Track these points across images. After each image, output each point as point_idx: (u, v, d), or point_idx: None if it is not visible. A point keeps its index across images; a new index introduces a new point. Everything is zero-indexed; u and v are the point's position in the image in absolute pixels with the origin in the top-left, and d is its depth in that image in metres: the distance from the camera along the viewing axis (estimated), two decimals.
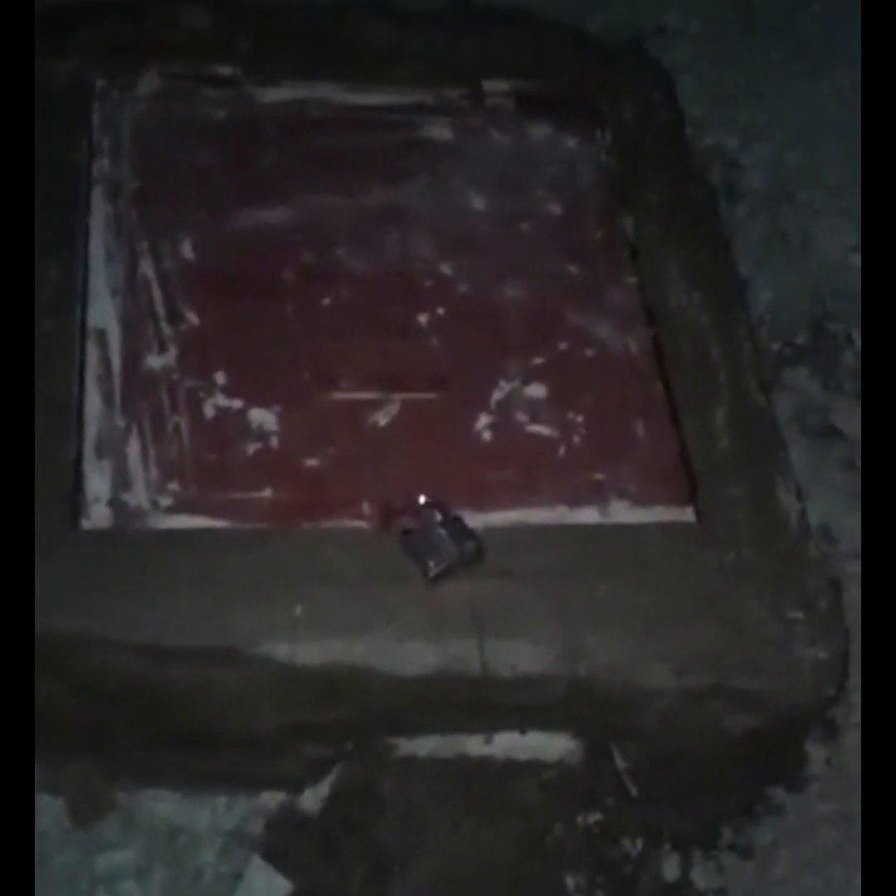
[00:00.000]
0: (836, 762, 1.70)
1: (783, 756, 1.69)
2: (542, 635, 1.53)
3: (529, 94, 2.08)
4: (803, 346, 2.10)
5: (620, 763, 1.63)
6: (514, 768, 1.63)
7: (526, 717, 1.59)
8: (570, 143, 2.04)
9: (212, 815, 1.59)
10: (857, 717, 1.70)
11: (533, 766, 1.63)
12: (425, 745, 1.60)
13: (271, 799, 1.60)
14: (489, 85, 2.07)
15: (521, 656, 1.51)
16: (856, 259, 2.18)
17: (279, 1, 2.21)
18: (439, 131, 2.02)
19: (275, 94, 2.00)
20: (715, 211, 2.05)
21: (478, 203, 1.94)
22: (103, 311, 1.71)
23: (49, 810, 1.55)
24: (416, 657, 1.50)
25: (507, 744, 1.61)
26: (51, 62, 1.94)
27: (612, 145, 2.04)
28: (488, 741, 1.61)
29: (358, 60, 2.06)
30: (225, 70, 2.00)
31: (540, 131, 2.05)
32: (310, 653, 1.48)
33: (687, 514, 1.66)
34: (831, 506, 1.90)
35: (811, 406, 2.03)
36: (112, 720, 1.54)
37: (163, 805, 1.58)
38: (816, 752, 1.70)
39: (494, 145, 2.02)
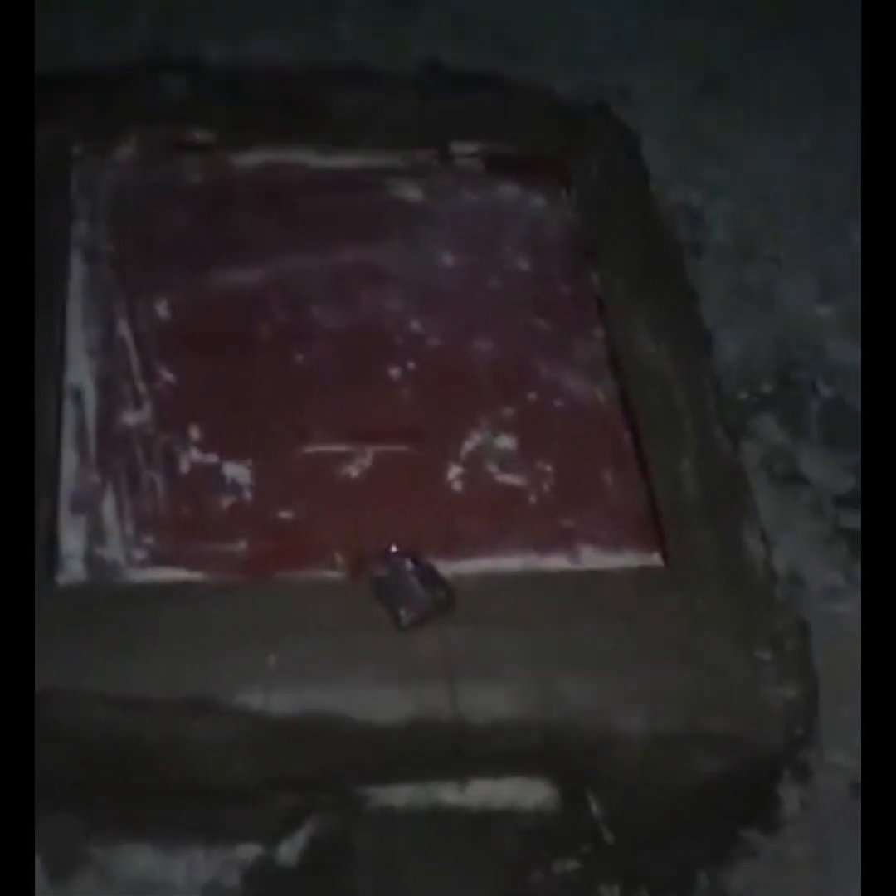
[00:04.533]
0: (810, 803, 1.71)
1: (757, 799, 1.70)
2: (514, 681, 1.54)
3: (498, 155, 2.13)
4: (769, 395, 2.15)
5: (596, 809, 1.64)
6: (490, 816, 1.63)
7: (500, 764, 1.60)
8: (538, 201, 2.09)
9: (188, 868, 1.58)
10: (828, 757, 1.71)
11: (509, 814, 1.63)
12: (401, 795, 1.61)
13: (248, 851, 1.60)
14: (458, 147, 2.12)
15: (493, 702, 1.53)
16: (819, 310, 2.23)
17: (255, 69, 2.28)
18: (410, 192, 2.06)
19: (250, 159, 2.05)
20: (680, 265, 2.09)
21: (448, 260, 1.98)
22: (80, 371, 1.74)
23: None
24: (389, 705, 1.51)
25: (483, 791, 1.62)
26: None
27: (579, 203, 2.09)
28: (463, 789, 1.62)
29: (331, 125, 2.12)
30: (201, 136, 2.05)
31: (508, 191, 2.10)
32: (284, 702, 1.49)
33: (655, 560, 1.68)
34: (799, 550, 1.93)
35: (778, 453, 2.07)
36: (88, 773, 1.54)
37: (139, 859, 1.58)
38: (790, 794, 1.71)
39: (464, 205, 2.07)
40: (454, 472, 1.73)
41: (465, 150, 2.12)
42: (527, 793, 1.63)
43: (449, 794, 1.62)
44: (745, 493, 1.78)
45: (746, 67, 2.59)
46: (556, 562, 1.66)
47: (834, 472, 2.05)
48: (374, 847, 1.61)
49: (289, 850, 1.61)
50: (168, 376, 1.76)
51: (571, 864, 1.66)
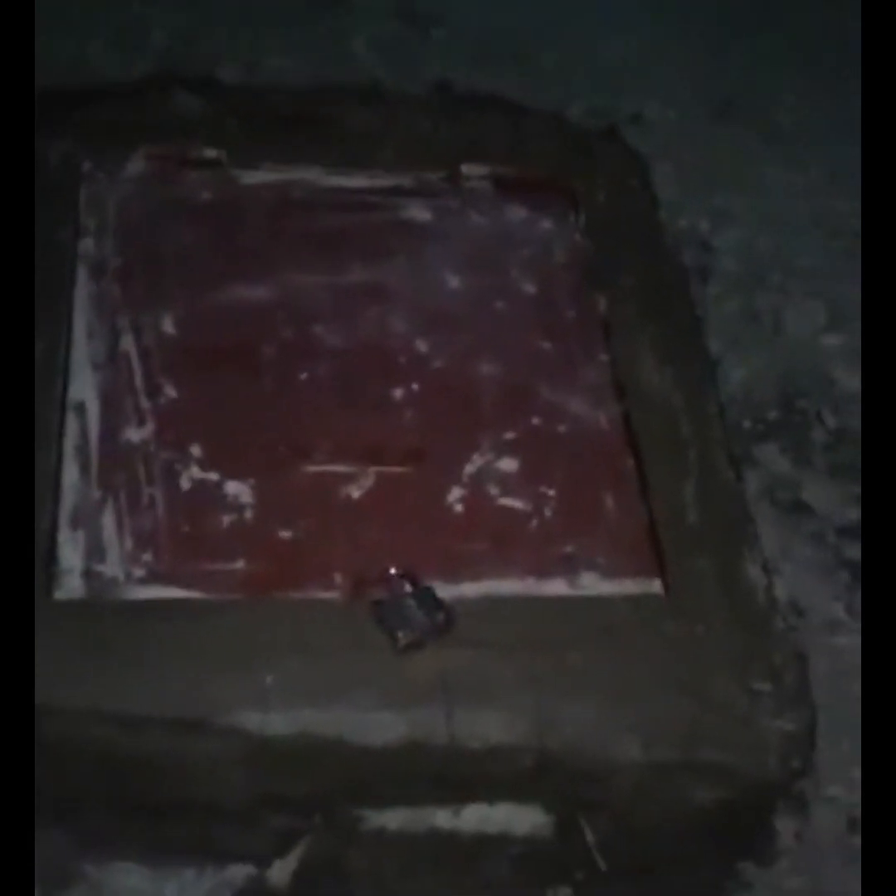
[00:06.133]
0: (806, 836, 1.70)
1: (752, 830, 1.69)
2: (510, 706, 1.53)
3: (507, 178, 2.13)
4: (774, 422, 2.15)
5: (590, 837, 1.63)
6: (483, 842, 1.62)
7: (495, 789, 1.59)
8: (546, 224, 2.09)
9: (179, 888, 1.58)
10: (825, 791, 1.71)
11: (502, 840, 1.62)
12: (394, 818, 1.60)
13: (239, 872, 1.60)
14: (468, 168, 2.12)
15: (489, 727, 1.52)
16: (825, 339, 2.23)
17: (266, 86, 2.30)
18: (418, 213, 2.07)
19: (258, 176, 2.05)
20: (687, 292, 2.09)
21: (454, 282, 1.99)
22: (84, 385, 1.75)
23: None
24: (385, 727, 1.50)
25: (477, 816, 1.61)
26: (42, 144, 1.99)
27: (587, 227, 2.09)
28: (457, 814, 1.61)
29: (341, 144, 2.12)
30: (210, 153, 2.05)
31: (516, 213, 2.10)
32: (280, 722, 1.49)
33: (655, 587, 1.67)
34: (800, 580, 1.93)
35: (781, 482, 2.06)
36: (82, 790, 1.54)
37: (130, 877, 1.58)
38: (785, 827, 1.70)
39: (472, 226, 2.07)
40: (455, 494, 1.73)
41: (474, 171, 2.12)
42: (520, 818, 1.62)
43: (442, 818, 1.61)
44: (747, 521, 1.78)
45: (758, 94, 2.60)
46: (556, 587, 1.66)
47: (837, 501, 2.05)
48: (366, 870, 1.61)
49: (281, 871, 1.60)
50: (171, 392, 1.76)
51: (564, 892, 1.65)
